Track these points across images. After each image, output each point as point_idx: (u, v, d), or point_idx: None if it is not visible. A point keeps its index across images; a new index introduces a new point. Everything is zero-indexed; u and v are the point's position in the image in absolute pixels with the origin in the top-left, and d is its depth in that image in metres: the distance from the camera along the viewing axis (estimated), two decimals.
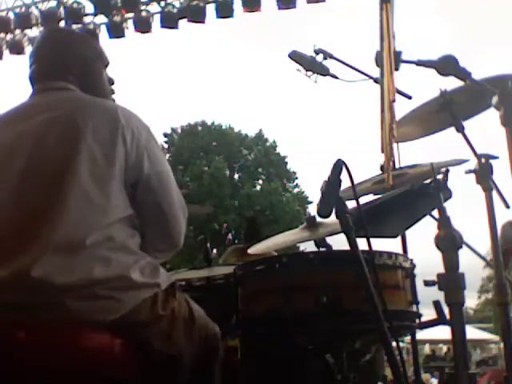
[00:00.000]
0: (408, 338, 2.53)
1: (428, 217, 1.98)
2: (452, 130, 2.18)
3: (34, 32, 6.63)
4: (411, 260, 1.92)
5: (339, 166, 1.57)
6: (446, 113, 2.18)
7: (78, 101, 1.74)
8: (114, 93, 1.95)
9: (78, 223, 1.51)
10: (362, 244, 1.58)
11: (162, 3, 6.24)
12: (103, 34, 6.44)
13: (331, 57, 2.56)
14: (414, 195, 1.91)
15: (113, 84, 1.95)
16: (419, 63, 2.14)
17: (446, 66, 2.06)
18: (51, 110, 1.67)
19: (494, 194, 2.05)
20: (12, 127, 1.67)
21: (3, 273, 1.45)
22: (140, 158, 1.65)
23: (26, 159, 1.59)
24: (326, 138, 42.04)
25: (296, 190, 26.86)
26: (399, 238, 2.46)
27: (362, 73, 2.50)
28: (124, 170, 1.62)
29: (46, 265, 1.44)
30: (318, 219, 2.08)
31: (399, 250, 2.44)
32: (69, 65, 1.80)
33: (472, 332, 19.36)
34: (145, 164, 1.66)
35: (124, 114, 1.68)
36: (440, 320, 1.82)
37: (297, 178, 27.14)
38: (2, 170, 1.61)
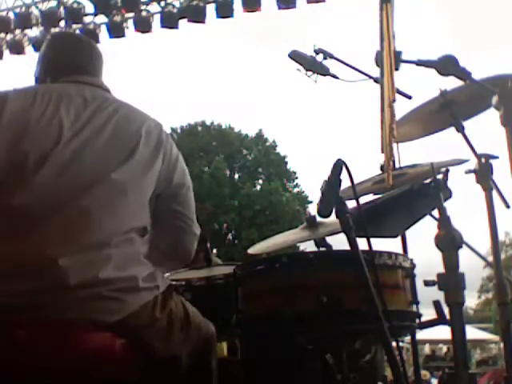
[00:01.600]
0: (408, 338, 2.53)
1: (428, 217, 1.99)
2: (452, 129, 2.18)
3: (34, 32, 6.65)
4: (411, 260, 1.91)
5: (339, 165, 1.58)
6: (445, 113, 2.18)
7: (131, 106, 1.80)
8: None
9: (105, 224, 1.54)
10: (362, 244, 1.59)
11: (162, 3, 6.25)
12: (103, 33, 6.46)
13: (331, 57, 2.56)
14: (413, 195, 1.91)
15: None
16: (419, 63, 2.14)
17: (446, 65, 2.06)
18: (102, 105, 1.71)
19: (494, 193, 2.05)
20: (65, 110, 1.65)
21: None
22: (171, 171, 1.76)
23: (80, 143, 1.59)
24: (326, 138, 42.07)
25: (296, 190, 26.87)
26: (399, 238, 2.46)
27: (362, 73, 2.50)
28: (155, 182, 1.69)
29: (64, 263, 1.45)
30: (318, 219, 2.08)
31: (399, 250, 2.44)
32: (97, 66, 1.88)
33: (472, 332, 19.36)
34: (175, 177, 1.77)
35: (163, 130, 1.81)
36: (440, 320, 1.82)
37: (297, 178, 27.16)
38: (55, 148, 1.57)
